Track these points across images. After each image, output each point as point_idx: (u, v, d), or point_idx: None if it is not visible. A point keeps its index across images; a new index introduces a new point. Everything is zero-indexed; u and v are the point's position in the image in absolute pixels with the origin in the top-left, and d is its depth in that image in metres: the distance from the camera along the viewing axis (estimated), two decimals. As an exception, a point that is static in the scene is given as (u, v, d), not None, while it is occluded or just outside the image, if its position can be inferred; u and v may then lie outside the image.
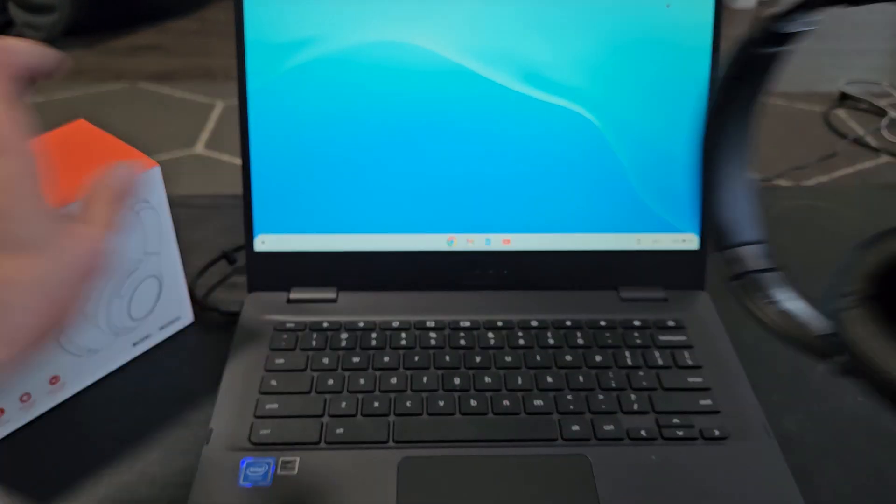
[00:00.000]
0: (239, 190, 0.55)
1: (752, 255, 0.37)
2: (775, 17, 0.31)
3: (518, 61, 0.54)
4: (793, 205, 0.73)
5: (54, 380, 0.48)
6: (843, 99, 1.00)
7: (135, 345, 0.53)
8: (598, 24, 0.54)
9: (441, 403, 0.48)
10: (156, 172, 0.49)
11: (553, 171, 0.56)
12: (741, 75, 0.34)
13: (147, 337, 0.54)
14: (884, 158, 0.86)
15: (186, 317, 0.56)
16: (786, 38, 0.32)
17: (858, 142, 0.90)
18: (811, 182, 0.81)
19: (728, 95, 0.35)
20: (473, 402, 0.48)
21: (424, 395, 0.49)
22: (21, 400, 0.47)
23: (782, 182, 0.81)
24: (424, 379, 0.50)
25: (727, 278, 0.37)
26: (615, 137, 0.55)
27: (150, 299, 0.52)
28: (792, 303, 0.36)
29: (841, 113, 0.98)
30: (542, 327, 0.54)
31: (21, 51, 0.28)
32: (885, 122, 0.93)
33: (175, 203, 0.71)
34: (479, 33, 0.54)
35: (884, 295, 0.30)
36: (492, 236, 0.57)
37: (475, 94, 0.54)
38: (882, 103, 0.97)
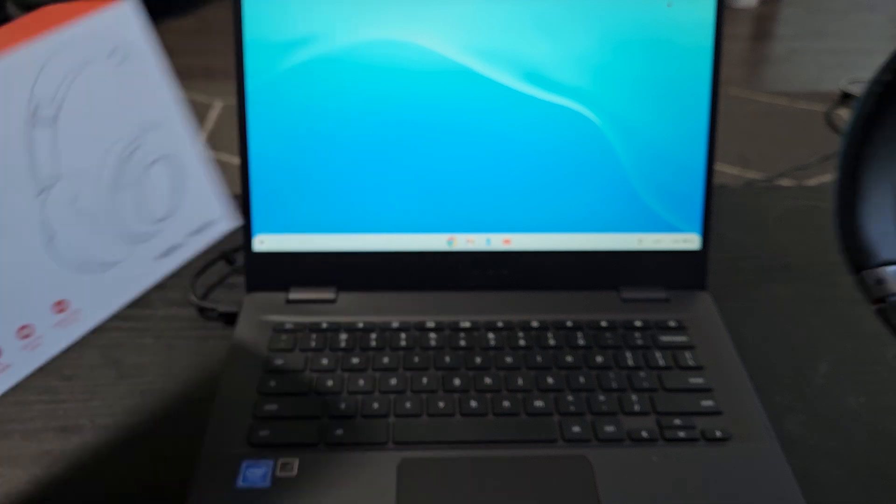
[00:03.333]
0: (237, 190, 0.55)
1: None
2: None
3: (519, 60, 0.54)
4: (794, 204, 0.73)
5: (60, 305, 0.37)
6: (845, 98, 1.00)
7: (161, 257, 0.41)
8: (599, 23, 0.53)
9: (441, 405, 0.48)
10: (128, 9, 0.36)
11: (554, 170, 0.55)
12: None
13: (177, 247, 0.42)
14: (885, 158, 0.86)
15: (223, 218, 0.43)
16: None
17: (860, 141, 0.89)
18: (813, 182, 0.81)
19: (882, 103, 0.32)
20: (474, 404, 0.48)
21: (424, 396, 0.48)
22: (20, 334, 0.36)
23: (784, 181, 0.81)
24: (424, 380, 0.49)
25: (870, 300, 0.35)
26: (616, 137, 0.55)
27: (166, 192, 0.40)
28: None
29: (843, 112, 0.97)
30: (543, 328, 0.54)
31: None
32: (886, 121, 0.93)
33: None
34: (480, 32, 0.53)
35: None
36: (492, 236, 0.56)
37: (475, 94, 0.54)
38: (883, 103, 0.97)
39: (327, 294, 0.56)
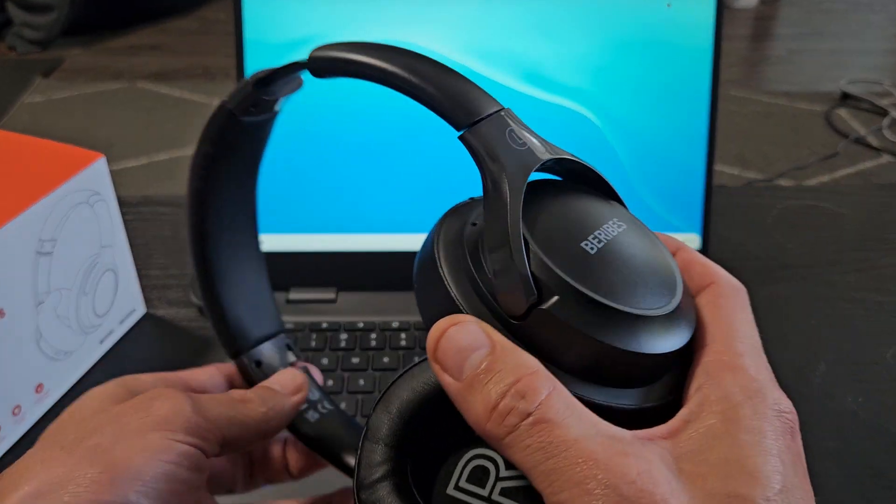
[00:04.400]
0: (238, 190, 0.55)
1: (275, 351, 0.32)
2: (254, 85, 0.26)
3: (519, 61, 0.54)
4: (794, 204, 0.73)
5: (39, 388, 0.48)
6: (845, 98, 1.00)
7: (101, 342, 0.53)
8: (599, 23, 0.53)
9: (441, 404, 0.48)
10: (102, 164, 0.49)
11: (553, 170, 0.55)
12: (224, 150, 0.29)
13: (111, 332, 0.54)
14: (885, 158, 0.86)
15: (140, 308, 0.57)
16: (266, 105, 0.27)
17: (860, 141, 0.89)
18: (812, 182, 0.81)
19: (213, 172, 0.29)
20: (473, 403, 0.48)
21: (424, 396, 0.48)
22: (13, 413, 0.46)
23: (784, 182, 0.81)
24: (424, 380, 0.49)
25: (252, 384, 0.31)
26: (616, 137, 0.55)
27: (110, 293, 0.53)
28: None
29: (842, 112, 0.97)
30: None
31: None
32: (886, 121, 0.93)
33: (175, 203, 0.71)
34: (480, 33, 0.53)
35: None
36: (492, 236, 0.56)
37: (475, 94, 0.54)
38: (883, 103, 0.97)
39: (327, 294, 0.56)
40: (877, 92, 1.00)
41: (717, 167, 0.82)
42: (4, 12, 1.21)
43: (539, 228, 0.21)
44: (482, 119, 0.22)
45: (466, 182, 0.55)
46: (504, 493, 0.23)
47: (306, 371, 0.33)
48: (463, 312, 0.20)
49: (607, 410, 0.20)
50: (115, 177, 0.52)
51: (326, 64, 0.23)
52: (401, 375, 0.25)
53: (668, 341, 0.20)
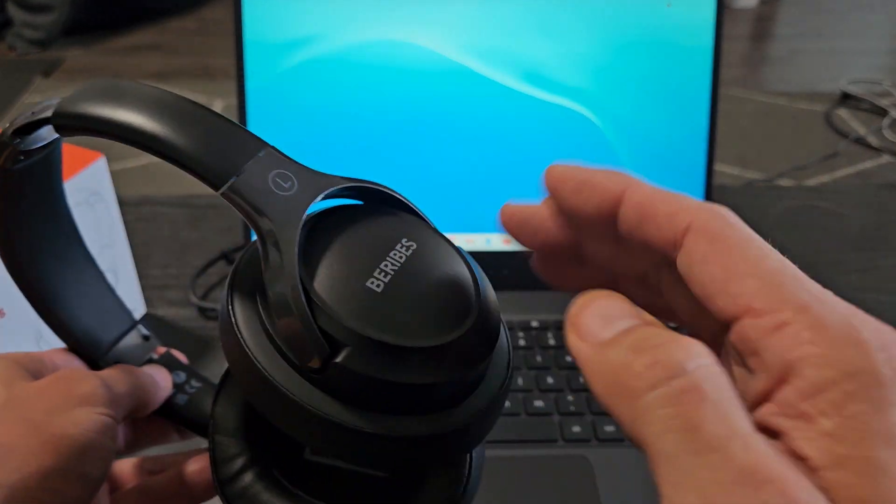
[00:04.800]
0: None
1: (133, 346, 0.32)
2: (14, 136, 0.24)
3: (519, 60, 0.54)
4: (794, 204, 0.73)
5: None
6: (845, 98, 1.00)
7: None
8: (598, 23, 0.53)
9: (441, 404, 0.48)
10: (101, 164, 0.49)
11: (554, 170, 0.55)
12: (10, 199, 0.28)
13: None
14: (885, 158, 0.86)
15: (140, 308, 0.57)
16: (31, 152, 0.26)
17: (860, 141, 0.89)
18: (813, 182, 0.81)
19: (9, 218, 0.28)
20: (474, 403, 0.48)
21: (424, 396, 0.48)
22: None
23: (784, 182, 0.81)
24: (424, 380, 0.49)
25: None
26: (616, 136, 0.55)
27: None
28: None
29: (842, 112, 0.97)
30: (543, 328, 0.54)
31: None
32: (886, 121, 0.93)
33: (175, 203, 0.71)
34: (480, 33, 0.53)
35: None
36: (492, 236, 0.56)
37: (476, 94, 0.54)
38: (883, 103, 0.96)
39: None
40: (877, 92, 1.00)
41: (717, 167, 0.82)
42: (4, 12, 1.21)
43: (322, 276, 0.20)
44: (241, 172, 0.20)
45: (466, 181, 0.55)
46: None
47: (169, 355, 0.33)
48: (261, 368, 0.20)
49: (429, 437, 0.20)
50: (115, 177, 0.52)
51: (69, 121, 0.22)
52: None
53: (474, 355, 0.21)
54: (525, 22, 0.53)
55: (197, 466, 0.30)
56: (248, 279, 0.21)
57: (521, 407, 0.48)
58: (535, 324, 0.54)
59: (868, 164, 0.85)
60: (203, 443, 0.29)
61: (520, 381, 0.49)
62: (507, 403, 0.48)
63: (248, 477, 0.24)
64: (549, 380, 0.50)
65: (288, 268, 0.19)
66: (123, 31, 1.28)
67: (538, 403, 0.48)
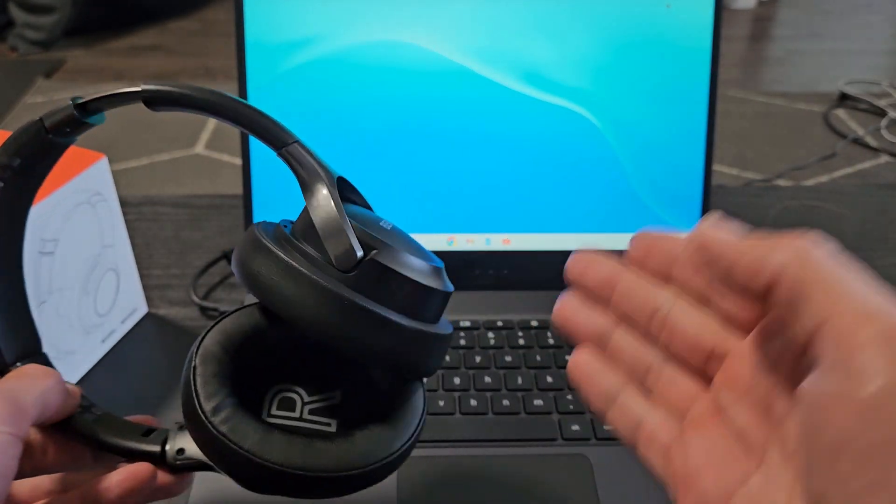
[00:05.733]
0: (239, 190, 0.55)
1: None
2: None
3: (518, 61, 0.54)
4: (793, 205, 0.73)
5: None
6: (843, 99, 1.00)
7: (103, 341, 0.53)
8: (598, 24, 0.54)
9: (441, 403, 0.48)
10: (103, 164, 0.49)
11: (553, 170, 0.56)
12: (27, 163, 0.30)
13: (112, 332, 0.54)
14: (883, 158, 0.86)
15: (142, 308, 0.57)
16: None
17: (858, 142, 0.90)
18: (811, 182, 0.81)
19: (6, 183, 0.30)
20: (473, 402, 0.48)
21: (424, 394, 0.49)
22: None
23: (782, 182, 0.81)
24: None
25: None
26: (615, 137, 0.55)
27: (111, 293, 0.53)
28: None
29: (841, 113, 0.98)
30: (543, 327, 0.54)
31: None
32: (884, 122, 0.93)
33: (175, 203, 0.71)
34: (479, 33, 0.54)
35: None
36: (492, 236, 0.57)
37: (475, 94, 0.54)
38: (882, 103, 0.97)
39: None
40: (875, 92, 1.00)
41: (716, 167, 0.82)
42: (6, 13, 1.21)
43: (350, 213, 0.28)
44: (289, 144, 0.29)
45: (466, 182, 0.55)
46: (312, 412, 0.31)
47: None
48: (301, 270, 0.26)
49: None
50: (117, 177, 0.52)
51: (160, 95, 0.28)
52: (220, 320, 0.30)
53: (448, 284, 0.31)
54: (525, 23, 0.54)
55: (104, 485, 0.29)
56: (271, 230, 0.30)
57: (521, 406, 0.48)
58: (534, 323, 0.54)
59: (866, 165, 0.85)
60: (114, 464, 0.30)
61: (519, 380, 0.50)
62: (505, 402, 0.48)
63: (231, 405, 0.28)
64: (549, 379, 0.50)
65: (335, 197, 0.28)
66: (125, 32, 1.28)
67: (537, 402, 0.48)
